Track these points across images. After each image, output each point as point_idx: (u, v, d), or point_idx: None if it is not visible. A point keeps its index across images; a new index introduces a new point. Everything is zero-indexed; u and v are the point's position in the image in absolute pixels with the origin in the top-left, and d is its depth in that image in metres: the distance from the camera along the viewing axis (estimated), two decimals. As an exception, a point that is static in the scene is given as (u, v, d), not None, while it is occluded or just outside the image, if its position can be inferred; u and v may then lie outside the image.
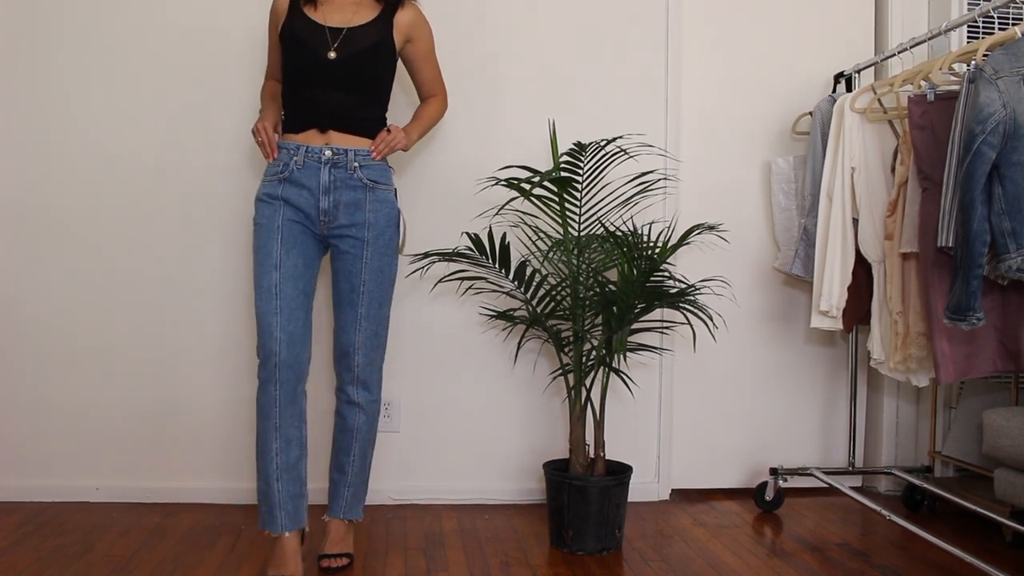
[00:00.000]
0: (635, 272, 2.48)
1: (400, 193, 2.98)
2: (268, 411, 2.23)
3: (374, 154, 2.33)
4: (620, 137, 2.56)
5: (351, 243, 2.32)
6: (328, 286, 2.93)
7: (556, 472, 2.59)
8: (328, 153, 2.29)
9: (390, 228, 2.36)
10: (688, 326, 3.09)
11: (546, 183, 2.60)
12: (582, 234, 2.69)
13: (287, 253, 2.27)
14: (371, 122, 2.37)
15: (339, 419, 2.41)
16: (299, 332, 2.24)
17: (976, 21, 2.38)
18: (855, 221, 2.72)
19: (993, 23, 3.03)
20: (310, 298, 2.32)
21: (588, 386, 2.65)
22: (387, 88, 2.41)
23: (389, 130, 2.36)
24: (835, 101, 2.83)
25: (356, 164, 2.31)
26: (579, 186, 2.63)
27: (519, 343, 2.94)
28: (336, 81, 2.31)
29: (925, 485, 2.76)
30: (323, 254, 2.39)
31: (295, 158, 2.29)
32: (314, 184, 2.28)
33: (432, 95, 2.56)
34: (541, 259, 2.78)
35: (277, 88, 2.49)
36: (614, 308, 2.51)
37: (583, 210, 2.72)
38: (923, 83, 2.48)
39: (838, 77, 3.07)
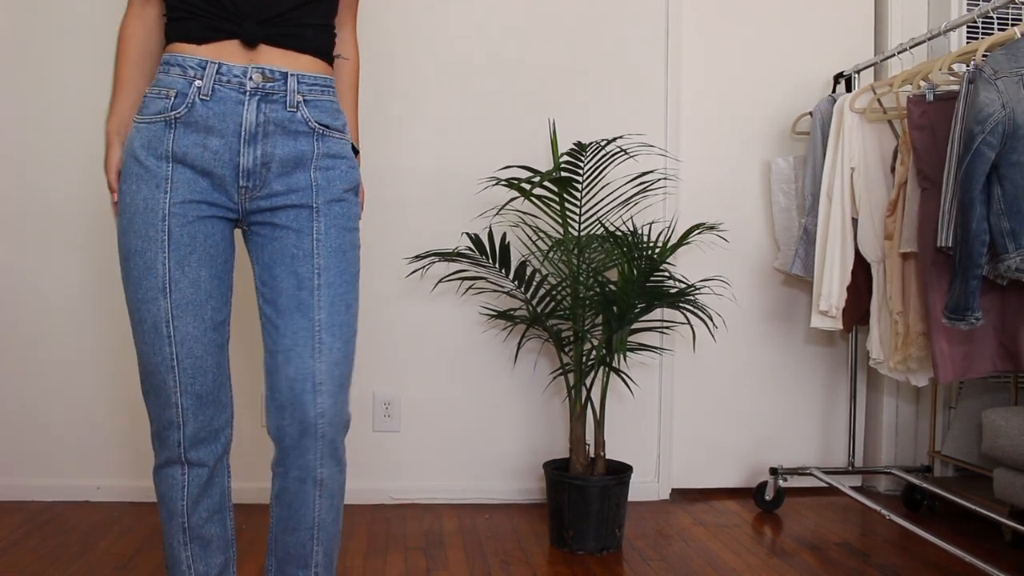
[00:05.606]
0: (635, 272, 2.49)
1: (398, 193, 3.00)
2: (172, 505, 1.52)
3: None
4: (620, 137, 2.56)
5: (291, 215, 1.48)
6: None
7: (556, 472, 2.59)
8: (256, 77, 1.43)
9: (349, 194, 1.55)
10: (688, 326, 3.09)
11: (546, 183, 2.60)
12: (582, 234, 2.69)
13: (183, 263, 1.44)
14: (321, 32, 1.52)
15: (282, 510, 1.54)
16: (210, 391, 1.51)
17: (976, 21, 2.39)
18: (855, 221, 2.72)
19: (993, 23, 3.03)
20: (224, 330, 1.52)
21: (588, 386, 2.65)
22: None
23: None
24: (835, 101, 2.83)
25: (300, 97, 1.47)
26: (579, 186, 2.63)
27: (519, 343, 2.94)
28: None
29: (925, 485, 2.76)
30: (235, 251, 1.56)
31: (197, 82, 1.42)
32: (231, 127, 1.43)
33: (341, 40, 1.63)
34: (541, 259, 2.78)
35: (150, 29, 1.51)
36: (614, 308, 2.51)
37: (583, 210, 2.72)
38: (922, 83, 2.48)
39: (838, 77, 3.07)
